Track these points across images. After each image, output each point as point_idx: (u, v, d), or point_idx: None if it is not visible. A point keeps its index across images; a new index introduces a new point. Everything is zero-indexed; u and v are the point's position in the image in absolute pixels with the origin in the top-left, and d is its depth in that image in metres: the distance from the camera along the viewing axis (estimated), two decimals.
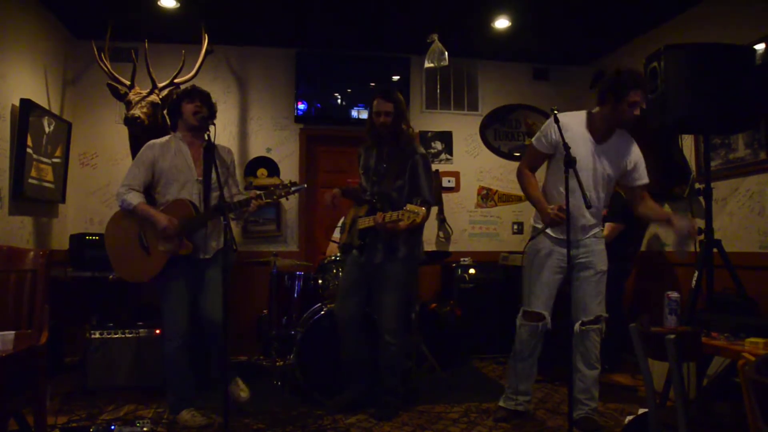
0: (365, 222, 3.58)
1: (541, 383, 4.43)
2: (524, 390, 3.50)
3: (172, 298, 3.43)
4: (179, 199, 3.41)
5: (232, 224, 3.67)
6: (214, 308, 3.38)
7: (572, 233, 3.14)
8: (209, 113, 3.47)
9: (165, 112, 3.65)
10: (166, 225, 3.31)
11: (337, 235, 4.90)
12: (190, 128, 3.50)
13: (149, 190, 3.51)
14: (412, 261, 3.73)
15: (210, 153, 3.29)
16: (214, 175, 3.26)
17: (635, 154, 3.31)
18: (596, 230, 3.39)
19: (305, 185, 3.55)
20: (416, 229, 3.71)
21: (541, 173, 3.51)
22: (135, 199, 3.38)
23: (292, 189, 3.39)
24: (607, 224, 4.71)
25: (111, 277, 4.12)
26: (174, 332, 3.43)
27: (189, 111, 3.45)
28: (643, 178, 3.32)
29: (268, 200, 3.40)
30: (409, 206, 3.25)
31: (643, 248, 5.24)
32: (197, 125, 3.44)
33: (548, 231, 3.34)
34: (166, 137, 3.58)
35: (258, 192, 3.44)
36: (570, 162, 2.96)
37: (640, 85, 3.12)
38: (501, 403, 3.57)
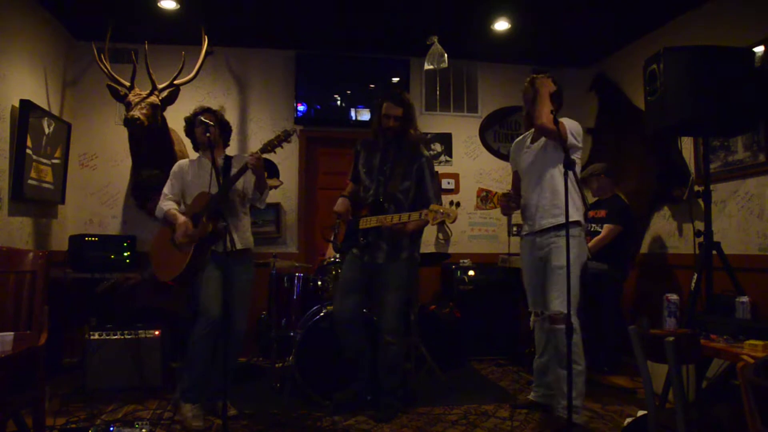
0: (368, 222, 3.57)
1: None
2: (539, 383, 3.68)
3: (208, 286, 3.51)
4: (201, 192, 3.61)
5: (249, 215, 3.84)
6: (237, 316, 3.58)
7: (532, 224, 3.53)
8: (220, 130, 3.69)
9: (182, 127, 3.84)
10: (181, 222, 3.51)
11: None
12: (203, 147, 3.69)
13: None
14: (413, 262, 3.75)
15: (227, 163, 3.63)
16: (238, 183, 3.61)
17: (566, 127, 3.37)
18: (558, 226, 3.35)
19: (297, 130, 3.57)
20: (420, 231, 3.73)
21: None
22: (167, 205, 3.64)
23: (284, 136, 3.43)
24: (605, 225, 4.72)
25: (98, 290, 4.17)
26: (206, 319, 3.46)
27: (199, 133, 3.65)
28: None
29: (265, 153, 3.46)
30: (434, 206, 3.28)
31: (643, 250, 5.24)
32: (206, 142, 3.54)
33: (522, 232, 3.65)
34: (192, 158, 3.85)
35: (253, 151, 3.50)
36: (569, 164, 3.01)
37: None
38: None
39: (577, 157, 3.42)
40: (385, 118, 3.65)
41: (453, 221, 3.28)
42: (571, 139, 3.34)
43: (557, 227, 3.36)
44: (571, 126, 3.41)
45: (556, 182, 3.39)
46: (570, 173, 3.24)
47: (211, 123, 3.47)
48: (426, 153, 3.74)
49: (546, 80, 3.51)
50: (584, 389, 3.34)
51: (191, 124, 3.71)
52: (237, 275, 3.52)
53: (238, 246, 3.50)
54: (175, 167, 3.78)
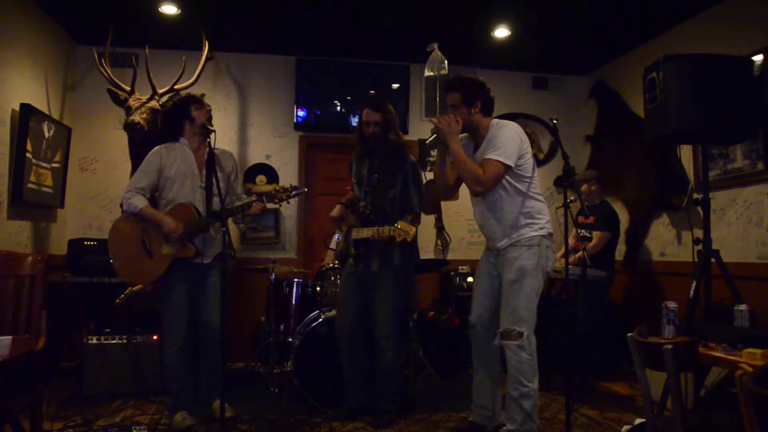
0: (360, 233, 3.62)
1: (539, 392, 4.41)
2: (480, 403, 3.33)
3: (173, 303, 3.45)
4: (182, 203, 3.46)
5: (233, 229, 3.70)
6: (213, 314, 3.46)
7: (488, 240, 3.30)
8: None
9: (166, 116, 3.66)
10: (172, 228, 3.36)
11: (334, 244, 4.91)
12: (201, 134, 3.54)
13: (153, 194, 3.56)
14: (406, 269, 3.75)
15: (211, 159, 3.27)
16: (220, 173, 3.41)
17: (498, 138, 3.11)
18: (509, 240, 3.16)
19: (305, 189, 3.64)
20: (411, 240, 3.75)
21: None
22: (140, 202, 3.43)
23: (293, 193, 3.48)
24: (595, 233, 4.73)
25: (118, 301, 4.12)
26: (174, 336, 3.44)
27: (202, 117, 3.50)
28: (488, 154, 3.10)
29: (270, 204, 3.48)
30: (400, 223, 3.34)
31: (642, 257, 5.24)
32: (212, 130, 3.43)
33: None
34: (171, 143, 3.61)
35: (260, 196, 3.50)
36: (568, 171, 3.01)
37: (448, 86, 3.24)
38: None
39: (522, 163, 3.13)
40: (365, 125, 3.68)
41: (411, 239, 3.39)
42: (509, 161, 3.06)
43: (511, 244, 3.16)
44: (504, 143, 3.08)
45: (504, 203, 3.16)
46: (517, 183, 3.15)
47: (213, 129, 3.41)
48: (412, 158, 3.75)
49: (447, 121, 3.12)
50: (533, 412, 3.06)
51: (186, 107, 3.53)
52: (211, 278, 3.49)
53: (208, 261, 3.50)
54: (153, 158, 3.52)
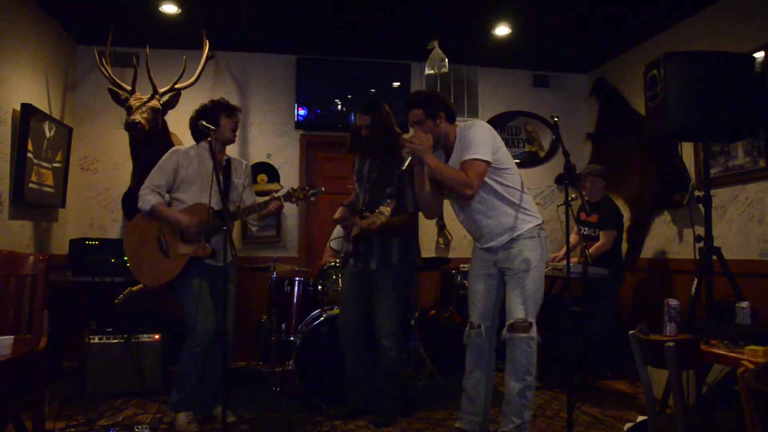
0: (355, 229, 3.66)
1: (540, 390, 4.42)
2: (470, 410, 3.22)
3: (198, 301, 3.39)
4: (197, 203, 3.48)
5: (235, 230, 3.72)
6: (229, 321, 3.46)
7: (482, 241, 3.21)
8: None
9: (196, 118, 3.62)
10: (187, 223, 3.39)
11: (332, 244, 4.91)
12: (224, 142, 3.60)
13: (168, 194, 3.59)
14: (406, 268, 3.74)
15: (228, 164, 3.46)
16: (235, 181, 3.56)
17: (469, 138, 3.08)
18: (510, 234, 3.13)
19: (323, 188, 3.60)
20: (409, 236, 3.74)
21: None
22: (153, 198, 3.44)
23: (311, 192, 3.48)
24: (601, 233, 4.71)
25: (117, 301, 4.11)
26: (203, 333, 3.38)
27: (229, 126, 3.55)
28: (464, 156, 3.07)
29: (287, 203, 3.50)
30: (380, 207, 3.36)
31: (644, 255, 5.24)
32: (233, 141, 3.63)
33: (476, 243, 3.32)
34: (190, 146, 3.65)
35: (276, 194, 3.53)
36: (569, 170, 3.00)
37: (407, 105, 3.22)
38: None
39: (499, 157, 3.10)
40: (359, 128, 3.72)
41: (386, 220, 3.34)
42: (487, 157, 3.03)
43: (512, 239, 3.13)
44: (477, 142, 3.04)
45: (493, 201, 3.13)
46: (500, 178, 3.12)
47: (212, 128, 3.43)
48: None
49: (420, 139, 3.08)
50: (533, 405, 3.07)
51: (216, 113, 3.52)
52: (230, 286, 3.49)
53: (229, 259, 3.49)
54: (171, 157, 3.55)
